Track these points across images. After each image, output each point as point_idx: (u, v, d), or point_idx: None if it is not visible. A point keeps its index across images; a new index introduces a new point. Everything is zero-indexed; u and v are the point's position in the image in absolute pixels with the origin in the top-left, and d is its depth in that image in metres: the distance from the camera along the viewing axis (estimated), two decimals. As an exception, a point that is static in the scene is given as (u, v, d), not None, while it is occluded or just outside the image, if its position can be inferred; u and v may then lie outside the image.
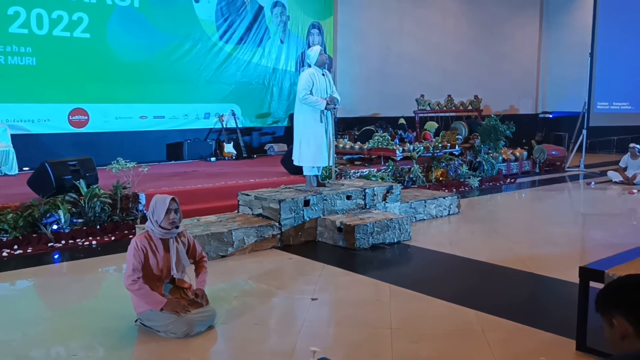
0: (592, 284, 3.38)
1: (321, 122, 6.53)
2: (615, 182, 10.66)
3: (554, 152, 13.25)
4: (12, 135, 9.41)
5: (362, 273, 5.14)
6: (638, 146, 10.88)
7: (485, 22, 17.26)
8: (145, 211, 6.93)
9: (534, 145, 13.78)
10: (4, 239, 5.92)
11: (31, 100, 10.03)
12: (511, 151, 12.27)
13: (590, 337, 3.37)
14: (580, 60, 15.19)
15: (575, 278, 4.50)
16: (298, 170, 7.61)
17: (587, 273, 3.39)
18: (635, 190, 9.76)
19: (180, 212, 3.83)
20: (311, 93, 6.44)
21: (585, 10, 16.15)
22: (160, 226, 3.75)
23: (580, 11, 17.16)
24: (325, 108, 6.48)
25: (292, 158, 6.86)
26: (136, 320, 3.83)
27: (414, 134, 12.96)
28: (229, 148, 12.03)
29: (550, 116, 18.12)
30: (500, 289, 4.73)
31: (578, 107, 14.33)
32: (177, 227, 3.83)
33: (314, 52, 6.62)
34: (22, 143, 9.61)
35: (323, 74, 6.63)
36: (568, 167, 13.20)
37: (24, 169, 9.33)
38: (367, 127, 12.24)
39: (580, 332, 3.39)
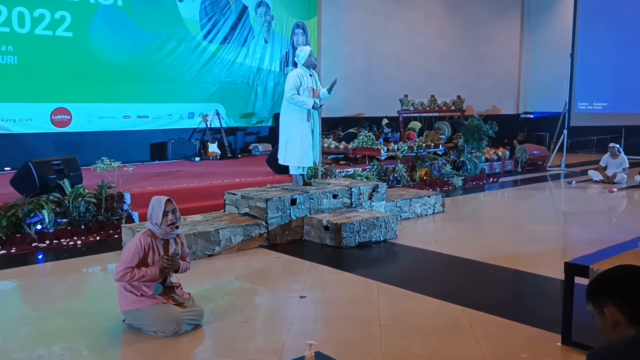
0: (577, 279, 3.44)
1: (308, 121, 6.55)
2: (596, 181, 10.82)
3: (535, 152, 13.40)
4: (-7, 135, 9.31)
5: (349, 271, 5.17)
6: (617, 146, 11.07)
7: (469, 23, 17.41)
8: (130, 211, 6.90)
9: (516, 145, 13.93)
10: (-13, 239, 5.85)
11: (13, 100, 9.89)
12: (494, 151, 12.39)
13: (576, 331, 3.43)
14: (561, 60, 15.37)
15: (558, 274, 4.58)
16: (284, 170, 7.62)
17: (572, 268, 3.45)
18: (615, 189, 9.92)
19: (178, 212, 3.83)
20: (298, 93, 6.46)
21: (566, 12, 16.34)
22: (160, 228, 3.75)
23: (561, 12, 17.38)
24: (312, 107, 6.51)
25: (278, 157, 6.87)
26: (124, 320, 3.82)
27: (398, 134, 13.04)
28: (213, 148, 11.99)
29: (532, 116, 18.33)
30: (486, 285, 4.79)
31: (559, 107, 14.52)
32: (177, 227, 3.83)
33: (304, 52, 6.63)
34: (4, 143, 9.50)
35: (310, 74, 6.66)
36: (549, 167, 13.36)
37: (5, 169, 9.22)
38: (351, 130, 12.25)
39: (566, 326, 3.45)
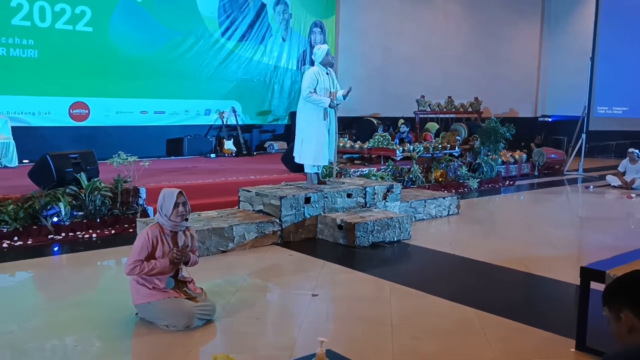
0: (593, 284, 3.40)
1: (324, 120, 6.55)
2: (614, 186, 10.70)
3: (553, 156, 13.28)
4: (13, 128, 9.39)
5: (362, 270, 5.16)
6: (637, 151, 10.92)
7: (487, 25, 17.29)
8: (145, 205, 6.94)
9: (533, 148, 13.82)
10: (5, 230, 5.91)
11: (32, 93, 10.00)
12: (510, 154, 12.30)
13: (590, 336, 3.39)
14: (580, 64, 15.22)
15: (573, 279, 4.54)
16: (299, 168, 7.62)
17: (588, 273, 3.40)
18: (633, 195, 9.80)
19: (188, 205, 3.85)
20: (315, 91, 6.46)
21: (587, 17, 16.17)
22: (169, 219, 3.77)
23: (582, 17, 17.21)
24: (329, 106, 6.50)
25: (294, 155, 6.88)
26: (137, 313, 3.84)
27: (412, 135, 12.97)
28: (229, 145, 12.02)
29: (550, 120, 18.16)
30: (499, 288, 4.76)
31: (577, 111, 14.36)
32: (186, 220, 3.84)
33: (321, 50, 6.62)
34: (23, 135, 9.58)
35: (327, 73, 6.66)
36: (567, 171, 13.23)
37: (24, 161, 9.31)
38: (368, 118, 12.13)
39: (580, 331, 3.42)
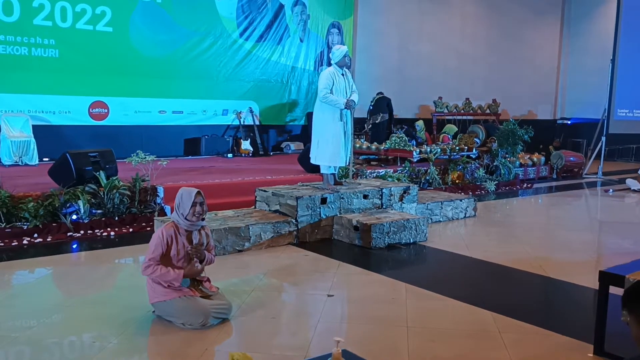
0: (612, 289, 3.36)
1: (341, 120, 6.54)
2: (634, 190, 10.55)
3: (571, 158, 13.13)
4: (33, 126, 9.54)
5: (378, 272, 5.15)
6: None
7: (505, 26, 17.16)
8: (162, 204, 7.00)
9: (551, 150, 13.68)
10: (25, 227, 6.00)
11: (53, 92, 10.14)
12: (528, 156, 12.19)
13: (609, 341, 3.35)
14: (601, 66, 15.05)
15: (592, 283, 4.49)
16: (315, 169, 7.63)
17: (607, 277, 3.36)
18: (654, 199, 9.67)
19: (205, 205, 3.87)
20: (331, 92, 6.46)
21: (607, 17, 15.99)
22: (186, 218, 3.79)
23: (602, 17, 17.01)
24: (345, 107, 6.50)
25: (310, 156, 6.88)
26: (153, 311, 3.87)
27: (431, 136, 12.93)
28: (245, 145, 12.07)
29: (569, 122, 17.96)
30: (517, 291, 4.72)
31: (597, 113, 14.20)
32: (202, 220, 3.87)
33: (340, 51, 6.61)
34: (43, 134, 9.72)
35: (343, 74, 6.65)
36: (586, 174, 13.08)
37: (44, 159, 9.44)
38: (383, 115, 12.09)
39: (599, 336, 3.37)
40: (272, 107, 13.17)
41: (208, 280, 3.98)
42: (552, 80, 18.41)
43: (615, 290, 3.37)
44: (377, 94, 12.55)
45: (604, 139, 13.12)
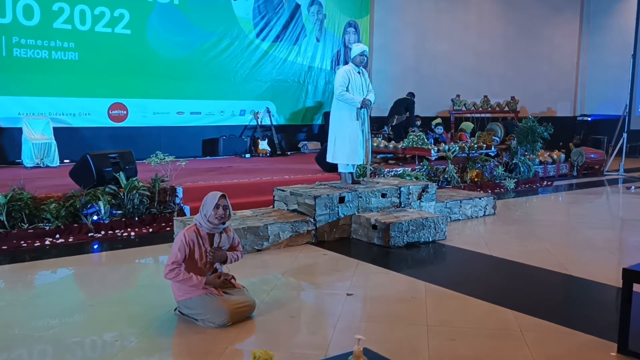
0: (636, 287, 3.31)
1: (357, 119, 6.53)
2: (657, 187, 10.41)
3: (592, 156, 12.97)
4: (54, 128, 9.68)
5: (397, 270, 5.13)
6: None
7: (523, 23, 17.00)
8: (182, 204, 7.04)
9: (571, 148, 13.52)
10: (47, 228, 6.08)
11: (73, 95, 10.26)
12: (548, 153, 12.07)
13: (633, 340, 3.31)
14: (621, 62, 14.85)
15: (614, 281, 4.44)
16: (333, 168, 7.63)
17: (631, 275, 3.31)
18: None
19: (230, 208, 3.90)
20: (347, 90, 6.45)
21: (628, 12, 15.78)
22: (208, 220, 3.82)
23: (622, 13, 16.78)
24: (361, 106, 6.49)
25: (327, 155, 6.88)
26: (175, 309, 3.90)
27: (448, 134, 12.84)
28: (263, 145, 12.11)
29: (589, 119, 17.74)
30: (538, 290, 4.67)
31: (618, 110, 14.01)
32: (224, 223, 3.89)
33: (358, 48, 6.59)
34: (63, 136, 9.84)
35: (359, 72, 6.64)
36: (607, 171, 12.91)
37: (65, 161, 9.56)
38: (399, 117, 12.05)
39: (622, 334, 3.33)
40: (289, 107, 13.19)
41: (233, 277, 4.00)
42: (572, 77, 18.20)
43: (639, 288, 3.32)
44: (407, 94, 12.56)
45: (625, 135, 12.95)
